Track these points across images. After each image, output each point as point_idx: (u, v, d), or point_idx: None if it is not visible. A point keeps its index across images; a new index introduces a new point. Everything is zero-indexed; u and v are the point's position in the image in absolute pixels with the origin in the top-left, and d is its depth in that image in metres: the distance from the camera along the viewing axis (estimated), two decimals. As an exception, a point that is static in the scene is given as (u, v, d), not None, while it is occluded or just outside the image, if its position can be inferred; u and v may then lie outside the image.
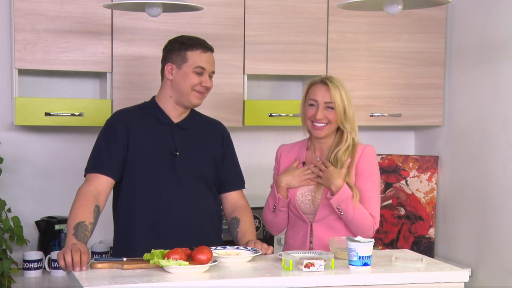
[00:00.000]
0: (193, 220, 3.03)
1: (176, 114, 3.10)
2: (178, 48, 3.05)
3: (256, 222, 3.92)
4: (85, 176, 3.02)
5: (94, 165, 3.00)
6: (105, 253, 3.73)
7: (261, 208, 3.73)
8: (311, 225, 3.11)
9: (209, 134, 3.23)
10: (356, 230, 3.02)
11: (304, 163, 3.18)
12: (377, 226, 3.06)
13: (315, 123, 3.09)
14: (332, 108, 3.07)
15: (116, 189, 3.06)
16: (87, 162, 3.03)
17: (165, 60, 3.09)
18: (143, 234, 2.98)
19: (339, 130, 3.13)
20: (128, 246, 2.97)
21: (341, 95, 3.07)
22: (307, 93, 3.14)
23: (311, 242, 3.10)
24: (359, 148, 3.10)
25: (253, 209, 3.66)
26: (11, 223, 3.52)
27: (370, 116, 4.03)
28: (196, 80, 3.05)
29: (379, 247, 4.14)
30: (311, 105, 3.10)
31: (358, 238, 2.64)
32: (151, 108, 3.11)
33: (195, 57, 3.04)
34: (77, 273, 2.50)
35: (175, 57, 3.05)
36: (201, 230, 3.06)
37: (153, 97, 3.16)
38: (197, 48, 3.05)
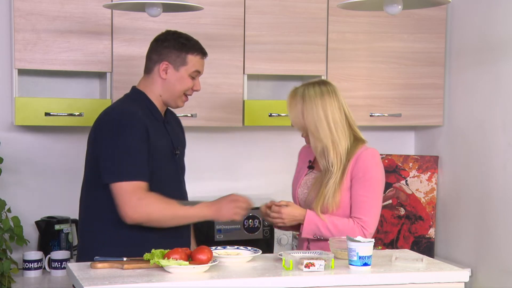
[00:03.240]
0: None
1: (162, 111, 3.06)
2: (178, 48, 2.97)
3: (256, 222, 3.92)
4: (121, 181, 2.79)
5: (138, 173, 2.81)
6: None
7: (261, 208, 3.75)
8: None
9: (180, 127, 3.21)
10: None
11: (310, 162, 3.18)
12: (368, 230, 2.96)
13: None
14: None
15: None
16: (119, 166, 2.80)
17: (159, 56, 2.96)
18: (158, 236, 2.91)
19: None
20: (143, 249, 2.73)
21: (291, 108, 3.04)
22: None
23: (308, 242, 3.10)
24: (357, 152, 3.02)
25: (253, 209, 3.69)
26: (11, 223, 3.52)
27: (370, 116, 4.03)
28: (190, 84, 3.01)
29: (379, 247, 4.14)
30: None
31: (358, 238, 2.64)
32: (148, 105, 2.99)
33: (194, 61, 3.00)
34: (77, 273, 2.50)
35: (174, 58, 2.97)
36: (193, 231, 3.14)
37: (140, 92, 3.01)
38: (197, 53, 3.01)
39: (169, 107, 3.10)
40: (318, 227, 2.97)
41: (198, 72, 3.03)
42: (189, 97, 3.11)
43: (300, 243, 3.17)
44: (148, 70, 3.02)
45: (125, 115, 2.89)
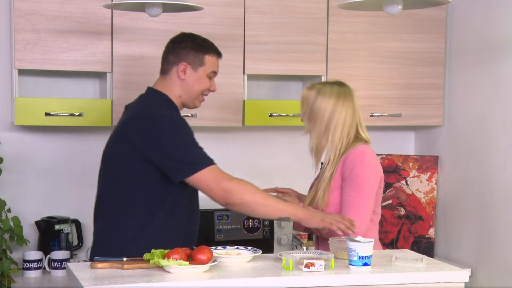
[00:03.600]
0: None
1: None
2: (195, 49, 3.02)
3: (255, 222, 3.92)
4: (204, 167, 2.82)
5: (212, 159, 2.87)
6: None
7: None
8: None
9: None
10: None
11: (322, 163, 3.18)
12: (359, 231, 2.92)
13: None
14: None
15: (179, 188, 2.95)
16: (194, 156, 2.83)
17: (177, 57, 3.00)
18: (184, 235, 2.98)
19: None
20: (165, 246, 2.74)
21: (307, 102, 3.07)
22: None
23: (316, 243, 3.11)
24: (348, 151, 3.03)
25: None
26: (11, 223, 3.52)
27: (370, 116, 4.03)
28: (208, 84, 3.06)
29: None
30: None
31: (358, 238, 2.64)
32: (172, 106, 3.02)
33: (211, 62, 3.05)
34: (77, 273, 2.50)
35: (193, 59, 3.00)
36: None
37: (162, 93, 3.02)
38: (214, 53, 3.06)
39: (187, 108, 3.12)
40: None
41: (215, 73, 3.08)
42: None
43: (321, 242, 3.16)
44: (165, 71, 3.04)
45: (171, 116, 2.94)
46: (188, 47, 3.01)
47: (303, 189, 3.30)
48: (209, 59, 3.03)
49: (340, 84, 3.11)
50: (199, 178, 2.83)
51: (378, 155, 4.26)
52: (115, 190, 2.97)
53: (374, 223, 3.10)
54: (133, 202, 2.93)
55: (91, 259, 2.83)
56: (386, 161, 4.27)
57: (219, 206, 3.51)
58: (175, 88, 3.03)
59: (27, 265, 3.60)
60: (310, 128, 3.07)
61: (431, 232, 4.21)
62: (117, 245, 2.92)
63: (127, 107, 3.11)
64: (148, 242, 2.79)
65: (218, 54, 3.08)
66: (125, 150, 2.91)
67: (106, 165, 3.04)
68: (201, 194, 2.99)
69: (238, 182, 2.87)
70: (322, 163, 3.21)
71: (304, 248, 3.83)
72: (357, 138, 3.07)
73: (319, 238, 3.15)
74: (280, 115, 3.87)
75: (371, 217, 3.02)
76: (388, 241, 4.22)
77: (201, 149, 2.89)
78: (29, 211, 3.79)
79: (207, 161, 2.85)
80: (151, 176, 2.90)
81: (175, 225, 2.98)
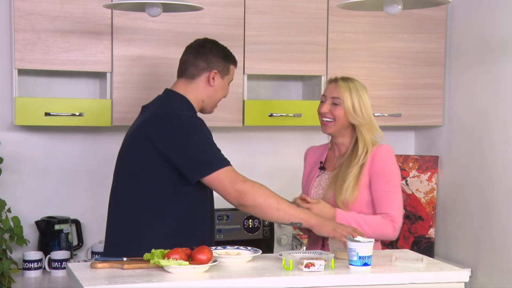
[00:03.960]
0: None
1: None
2: (225, 59, 3.10)
3: (255, 222, 3.92)
4: (220, 168, 2.88)
5: (228, 160, 2.95)
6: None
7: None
8: None
9: None
10: (378, 239, 3.07)
11: (321, 162, 3.20)
12: (397, 224, 3.04)
13: (322, 118, 3.13)
14: (338, 104, 3.09)
15: (197, 190, 2.98)
16: (211, 157, 2.89)
17: (209, 64, 3.05)
18: (203, 236, 3.02)
19: (356, 132, 3.13)
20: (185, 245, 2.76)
21: (351, 92, 3.09)
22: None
23: (323, 240, 3.11)
24: (373, 149, 3.08)
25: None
26: (11, 223, 3.52)
27: (370, 116, 4.03)
28: (227, 92, 3.17)
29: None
30: (322, 101, 3.15)
31: (358, 238, 2.64)
32: (193, 110, 3.07)
33: (233, 71, 3.16)
34: (77, 273, 2.50)
35: (222, 67, 3.08)
36: None
37: (183, 97, 3.05)
38: (235, 64, 3.17)
39: (203, 113, 3.16)
40: (349, 224, 2.96)
41: (231, 81, 3.20)
42: None
43: (312, 242, 3.16)
44: (192, 75, 3.06)
45: (190, 117, 2.97)
46: (219, 55, 3.09)
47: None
48: (232, 68, 3.14)
49: (354, 79, 3.18)
50: (215, 178, 2.88)
51: (378, 155, 4.27)
52: (133, 189, 2.97)
53: None
54: (150, 202, 2.95)
55: (108, 255, 2.86)
56: (386, 161, 4.27)
57: (219, 206, 3.52)
58: (200, 93, 3.07)
59: (27, 265, 3.60)
60: (365, 120, 3.09)
61: (431, 232, 4.21)
62: (135, 244, 2.92)
63: (144, 108, 3.13)
64: (164, 242, 2.80)
65: (236, 64, 3.19)
66: (144, 150, 2.92)
67: (123, 164, 3.04)
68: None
69: (253, 185, 2.91)
70: (321, 162, 3.21)
71: (304, 248, 3.84)
72: None
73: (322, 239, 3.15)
74: (280, 115, 3.87)
75: None
76: (388, 241, 4.21)
77: (218, 150, 2.95)
78: (29, 211, 3.79)
79: (224, 162, 2.91)
80: (169, 176, 2.92)
81: (192, 227, 3.00)
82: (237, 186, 2.88)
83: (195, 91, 3.06)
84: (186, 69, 3.06)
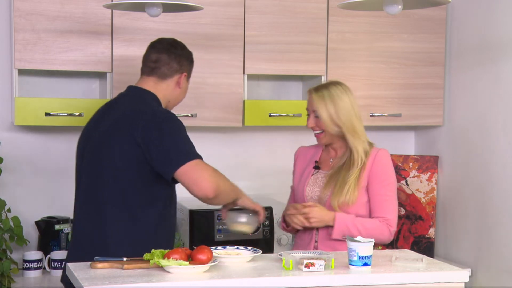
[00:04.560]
0: None
1: None
2: (191, 61, 3.14)
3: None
4: (192, 159, 2.84)
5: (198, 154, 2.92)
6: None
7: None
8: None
9: None
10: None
11: (316, 162, 3.22)
12: (393, 228, 3.08)
13: (313, 131, 3.17)
14: (318, 117, 3.11)
15: (170, 190, 3.01)
16: (186, 149, 2.86)
17: (181, 66, 3.07)
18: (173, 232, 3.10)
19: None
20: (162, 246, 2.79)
21: (325, 102, 3.08)
22: None
23: (316, 241, 3.12)
24: (372, 152, 3.11)
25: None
26: (11, 223, 3.52)
27: (370, 116, 4.03)
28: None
29: (379, 247, 4.14)
30: (307, 114, 3.18)
31: (358, 238, 2.64)
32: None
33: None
34: (77, 273, 2.50)
35: (189, 69, 3.12)
36: None
37: (154, 95, 3.03)
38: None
39: None
40: (348, 228, 3.03)
41: None
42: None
43: (302, 242, 3.17)
44: (164, 75, 3.05)
45: (170, 113, 2.97)
46: (189, 58, 3.12)
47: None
48: (192, 69, 3.16)
49: (337, 82, 3.16)
50: (188, 168, 2.83)
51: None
52: (113, 189, 2.93)
53: None
54: (129, 202, 2.92)
55: (79, 259, 2.75)
56: (386, 161, 4.27)
57: (219, 207, 3.53)
58: (169, 94, 3.08)
59: (27, 265, 3.60)
60: (346, 128, 3.08)
61: (431, 232, 4.21)
62: (113, 245, 2.90)
63: (110, 105, 3.08)
64: (138, 244, 2.82)
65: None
66: (125, 148, 2.88)
67: (99, 162, 2.96)
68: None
69: (217, 174, 2.90)
70: (316, 161, 3.22)
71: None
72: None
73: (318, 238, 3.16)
74: (280, 115, 3.87)
75: None
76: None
77: (193, 146, 2.91)
78: (29, 211, 3.79)
79: (197, 154, 2.88)
80: (148, 176, 2.90)
81: (166, 226, 3.02)
82: (207, 176, 2.84)
83: (165, 91, 3.06)
84: (158, 68, 3.04)
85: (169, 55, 3.05)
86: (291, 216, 3.11)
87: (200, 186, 2.83)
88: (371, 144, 3.15)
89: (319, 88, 3.12)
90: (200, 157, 2.88)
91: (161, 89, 3.06)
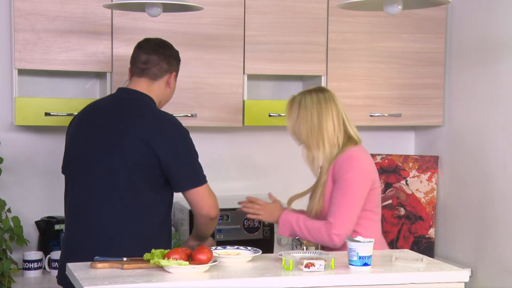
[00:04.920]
0: None
1: None
2: (178, 60, 3.17)
3: (255, 222, 3.92)
4: (205, 183, 3.03)
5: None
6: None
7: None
8: None
9: None
10: (318, 243, 3.14)
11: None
12: (336, 230, 2.98)
13: None
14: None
15: (171, 196, 3.09)
16: (200, 170, 3.02)
17: (170, 67, 3.10)
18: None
19: None
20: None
21: (290, 115, 3.14)
22: None
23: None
24: (339, 156, 3.08)
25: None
26: (11, 223, 3.52)
27: (370, 116, 4.03)
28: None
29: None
30: None
31: (358, 238, 2.64)
32: None
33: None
34: (77, 273, 2.50)
35: (177, 68, 3.15)
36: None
37: (150, 97, 3.06)
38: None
39: None
40: (292, 226, 3.10)
41: None
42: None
43: None
44: (155, 76, 3.08)
45: (182, 125, 3.03)
46: (177, 58, 3.15)
47: (303, 189, 3.29)
48: (179, 68, 3.19)
49: (319, 89, 3.16)
50: (200, 191, 3.01)
51: (378, 155, 4.26)
52: (127, 192, 2.96)
53: (376, 222, 3.15)
54: (140, 204, 2.97)
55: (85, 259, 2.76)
56: (386, 161, 4.26)
57: (219, 206, 3.53)
58: (161, 94, 3.11)
59: (27, 265, 3.60)
60: (302, 139, 3.13)
61: (431, 232, 4.21)
62: (122, 245, 2.93)
63: (112, 107, 3.07)
64: (144, 242, 2.85)
65: None
66: (140, 153, 2.93)
67: (107, 164, 2.98)
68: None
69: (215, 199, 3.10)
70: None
71: (304, 248, 3.83)
72: (349, 139, 3.12)
73: None
74: (280, 115, 3.87)
75: (356, 220, 3.05)
76: (388, 241, 4.21)
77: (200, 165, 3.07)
78: (29, 211, 3.79)
79: (205, 178, 3.05)
80: (159, 180, 2.98)
81: (167, 227, 3.11)
82: (214, 201, 3.06)
83: (157, 92, 3.09)
84: (149, 69, 3.06)
85: (159, 56, 3.08)
86: (247, 206, 3.26)
87: (208, 208, 3.04)
88: (343, 148, 3.10)
89: (291, 99, 3.16)
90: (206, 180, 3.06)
91: (154, 90, 3.08)
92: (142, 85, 3.07)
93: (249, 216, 3.28)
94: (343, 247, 2.92)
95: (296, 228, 3.08)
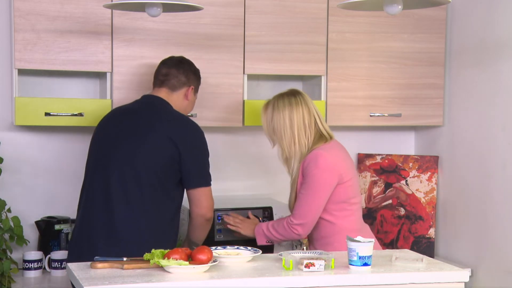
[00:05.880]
0: None
1: None
2: (199, 77, 3.44)
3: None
4: (210, 185, 3.29)
5: None
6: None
7: (261, 208, 3.75)
8: None
9: None
10: (288, 239, 3.35)
11: None
12: (296, 220, 3.20)
13: None
14: None
15: (182, 193, 3.32)
16: (209, 173, 3.28)
17: (188, 80, 3.37)
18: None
19: None
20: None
21: (264, 117, 3.36)
22: None
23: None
24: (306, 156, 3.26)
25: (255, 209, 3.72)
26: (11, 223, 3.52)
27: (370, 116, 4.03)
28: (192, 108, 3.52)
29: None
30: None
31: (358, 238, 2.64)
32: None
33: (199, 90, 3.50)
34: (77, 273, 2.50)
35: (196, 84, 3.44)
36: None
37: (168, 103, 3.31)
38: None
39: None
40: (265, 234, 3.32)
41: None
42: None
43: None
44: (174, 87, 3.35)
45: (200, 129, 3.34)
46: (196, 74, 3.42)
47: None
48: (199, 89, 3.48)
49: (291, 92, 3.34)
50: (203, 191, 3.26)
51: (378, 155, 4.26)
52: (153, 188, 3.18)
53: (353, 212, 3.29)
54: (163, 201, 3.22)
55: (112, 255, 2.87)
56: (386, 161, 4.27)
57: (219, 206, 3.54)
58: (179, 105, 3.36)
59: (27, 265, 3.60)
60: (278, 141, 3.33)
61: (431, 232, 4.21)
62: (146, 241, 3.07)
63: (136, 110, 3.32)
64: (155, 243, 2.90)
65: None
66: (167, 152, 3.18)
67: (136, 163, 3.18)
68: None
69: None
70: None
71: (304, 248, 3.84)
72: (321, 137, 3.30)
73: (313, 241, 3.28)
74: (280, 115, 3.87)
75: (319, 215, 3.23)
76: (388, 241, 4.22)
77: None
78: (29, 211, 3.79)
79: (211, 180, 3.30)
80: (177, 178, 3.23)
81: (176, 223, 3.32)
82: (212, 204, 3.31)
83: (175, 102, 3.35)
84: (168, 80, 3.34)
85: (178, 69, 3.35)
86: (229, 219, 3.55)
87: (207, 208, 3.28)
88: (313, 147, 3.27)
89: (269, 101, 3.35)
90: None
91: (172, 100, 3.34)
92: (162, 94, 3.34)
93: (229, 226, 3.53)
94: (342, 247, 2.92)
95: (267, 233, 3.31)
